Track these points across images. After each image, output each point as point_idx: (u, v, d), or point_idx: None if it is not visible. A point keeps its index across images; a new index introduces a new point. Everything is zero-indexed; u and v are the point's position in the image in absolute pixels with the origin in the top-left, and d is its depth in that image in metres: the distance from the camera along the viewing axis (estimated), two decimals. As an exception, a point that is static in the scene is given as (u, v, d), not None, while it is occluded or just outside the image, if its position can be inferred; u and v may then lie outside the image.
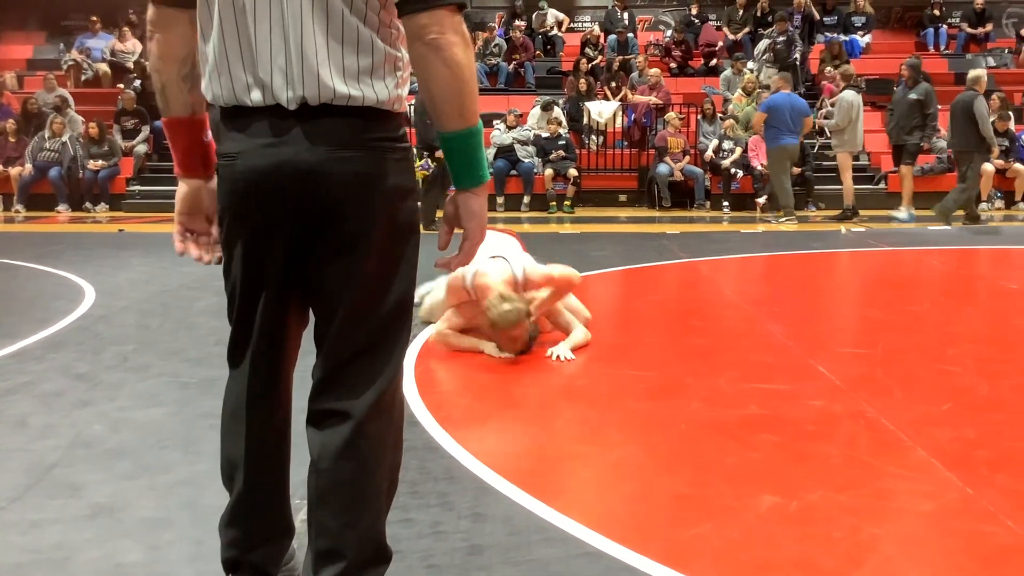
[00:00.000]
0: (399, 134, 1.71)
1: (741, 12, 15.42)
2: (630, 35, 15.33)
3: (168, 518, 2.46)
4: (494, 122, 12.26)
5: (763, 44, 14.35)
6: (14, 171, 12.00)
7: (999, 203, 12.16)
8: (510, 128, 12.29)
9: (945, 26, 15.85)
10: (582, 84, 13.45)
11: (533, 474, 2.80)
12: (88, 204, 12.02)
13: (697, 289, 6.45)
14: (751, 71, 13.66)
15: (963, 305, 5.89)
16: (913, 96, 10.37)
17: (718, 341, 4.62)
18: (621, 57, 14.59)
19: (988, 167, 10.85)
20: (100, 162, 12.08)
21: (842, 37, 15.00)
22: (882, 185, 12.41)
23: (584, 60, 13.99)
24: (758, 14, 15.24)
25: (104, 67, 14.56)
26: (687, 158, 12.22)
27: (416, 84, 1.63)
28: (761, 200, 11.39)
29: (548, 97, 13.10)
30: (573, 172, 11.91)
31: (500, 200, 11.93)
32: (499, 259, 4.22)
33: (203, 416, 3.27)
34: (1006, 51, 15.49)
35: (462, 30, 1.56)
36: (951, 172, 12.07)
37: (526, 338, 4.07)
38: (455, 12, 1.55)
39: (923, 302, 5.86)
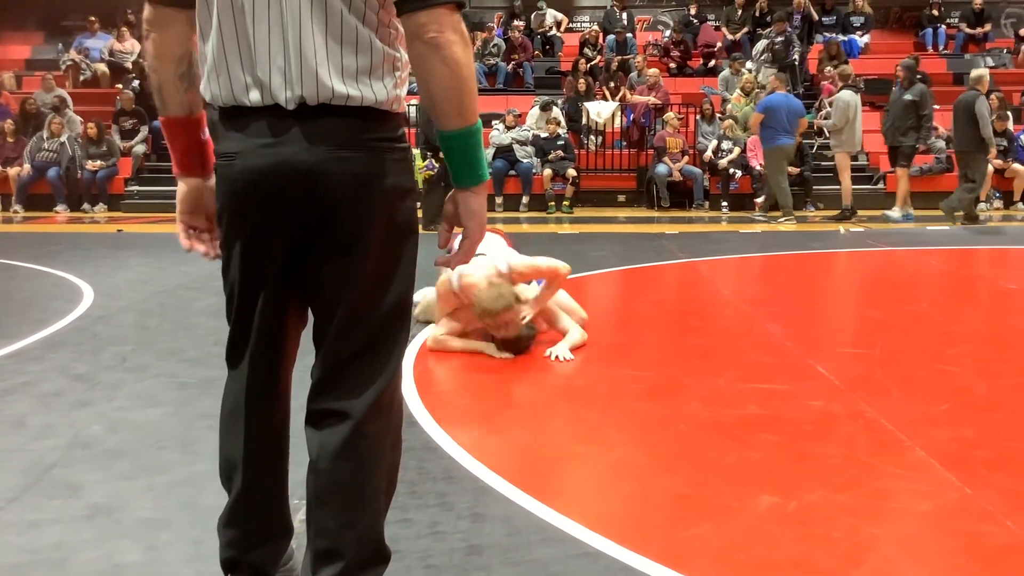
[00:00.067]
0: (398, 134, 1.71)
1: (740, 12, 15.42)
2: (629, 35, 15.33)
3: (166, 518, 2.46)
4: (493, 122, 12.26)
5: (761, 44, 14.36)
6: (12, 171, 12.00)
7: (998, 203, 12.18)
8: (509, 128, 12.30)
9: (944, 26, 15.87)
10: (581, 84, 13.45)
11: (532, 474, 2.80)
12: (86, 204, 12.01)
13: (696, 289, 6.45)
14: (749, 71, 13.67)
15: (962, 305, 5.89)
16: (908, 97, 10.37)
17: (717, 341, 4.62)
18: (620, 57, 14.60)
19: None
20: (98, 162, 12.07)
21: (841, 37, 15.01)
22: (881, 185, 12.42)
23: (583, 60, 13.99)
24: (757, 14, 15.25)
25: (102, 67, 14.56)
26: (686, 158, 12.22)
27: (416, 84, 1.62)
28: (760, 200, 11.40)
29: (547, 97, 13.10)
30: (572, 172, 11.91)
31: (499, 200, 11.93)
32: (481, 256, 4.23)
33: (202, 416, 3.27)
34: (1005, 51, 15.51)
35: (461, 29, 1.56)
36: (950, 172, 12.09)
37: (518, 323, 4.07)
38: (454, 11, 1.55)
39: (922, 302, 5.87)
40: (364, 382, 1.71)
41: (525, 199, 12.08)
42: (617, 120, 13.17)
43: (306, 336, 1.82)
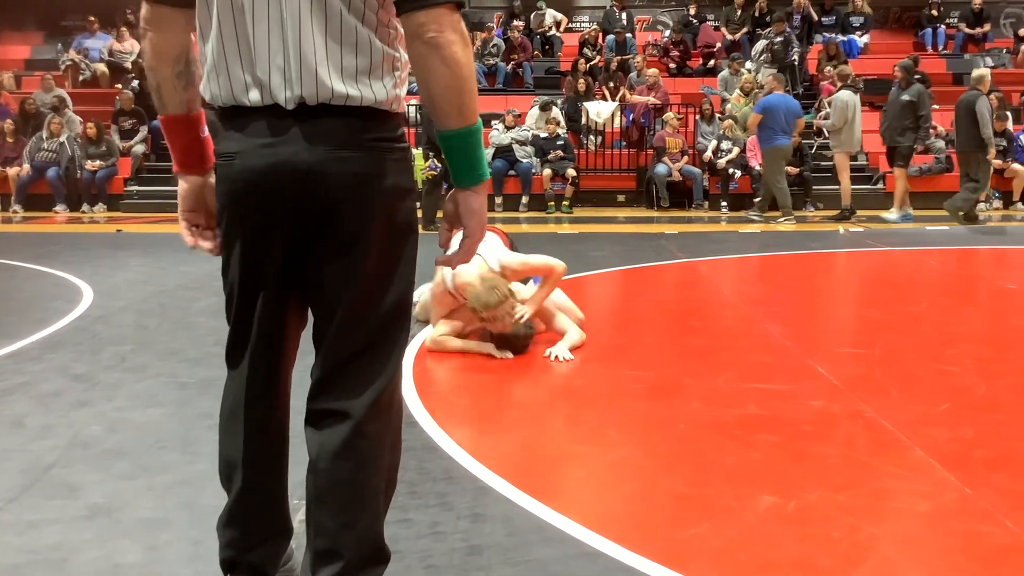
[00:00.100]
0: (397, 134, 1.71)
1: (739, 12, 15.42)
2: (628, 35, 15.34)
3: (166, 518, 2.46)
4: (492, 122, 12.26)
5: (760, 45, 14.37)
6: (12, 171, 11.99)
7: (997, 203, 12.18)
8: (508, 128, 12.30)
9: (943, 26, 15.88)
10: (580, 84, 13.46)
11: (532, 474, 2.80)
12: (86, 204, 12.01)
13: (695, 289, 6.45)
14: (749, 71, 13.67)
15: (961, 305, 5.89)
16: (905, 97, 10.37)
17: (716, 341, 4.62)
18: (619, 57, 14.60)
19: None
20: (98, 162, 12.07)
21: (840, 37, 15.01)
22: (880, 185, 12.42)
23: (582, 60, 13.99)
24: (756, 14, 15.26)
25: (102, 67, 14.56)
26: (685, 158, 12.22)
27: (415, 84, 1.62)
28: (757, 200, 11.40)
29: (546, 97, 13.10)
30: (571, 172, 11.91)
31: (498, 200, 11.93)
32: (475, 256, 4.24)
33: (201, 416, 3.27)
34: (1004, 51, 15.52)
35: (460, 28, 1.56)
36: (949, 172, 12.09)
37: (513, 315, 4.07)
38: (453, 10, 1.55)
39: (921, 302, 5.87)
40: (364, 382, 1.71)
41: (525, 199, 12.08)
42: (616, 120, 13.17)
43: (306, 336, 1.82)
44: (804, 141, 12.18)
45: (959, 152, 10.48)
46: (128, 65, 14.29)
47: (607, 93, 13.68)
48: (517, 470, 2.81)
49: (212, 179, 1.82)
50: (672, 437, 3.13)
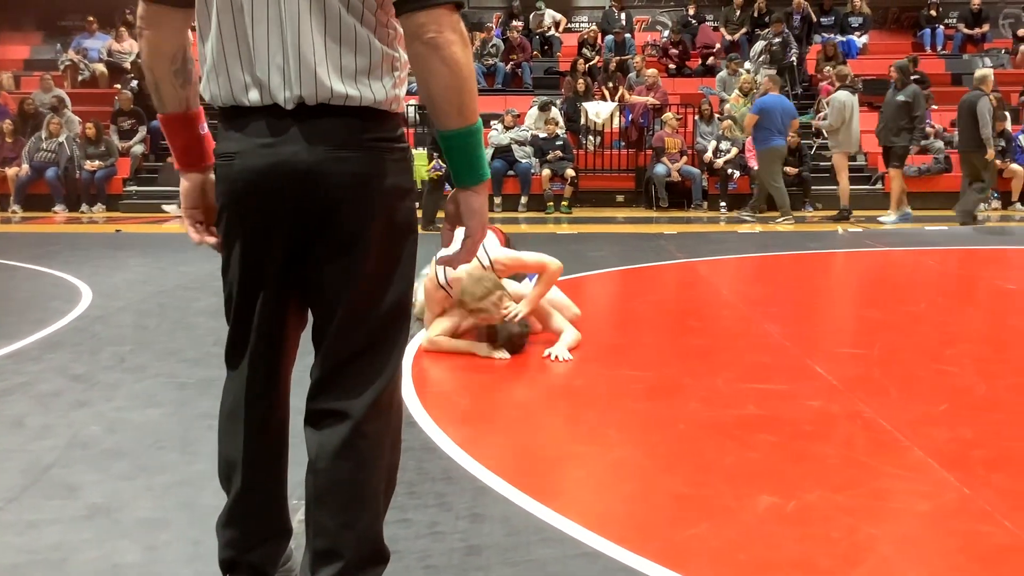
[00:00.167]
0: (397, 134, 1.71)
1: (738, 13, 15.43)
2: (627, 35, 15.34)
3: (165, 518, 2.46)
4: (491, 122, 12.26)
5: (759, 46, 14.37)
6: (11, 171, 11.98)
7: (996, 203, 12.18)
8: (507, 128, 12.30)
9: (942, 27, 15.88)
10: (579, 84, 13.46)
11: (531, 474, 2.80)
12: (85, 205, 12.00)
13: (694, 289, 6.46)
14: (747, 71, 13.67)
15: (960, 305, 5.90)
16: (901, 98, 10.38)
17: (716, 341, 4.63)
18: (618, 58, 14.60)
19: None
20: (97, 162, 12.07)
21: (839, 37, 15.02)
22: (879, 186, 12.42)
23: (581, 60, 13.99)
24: (755, 15, 15.26)
25: (101, 67, 14.56)
26: (684, 158, 12.22)
27: (415, 84, 1.62)
28: (753, 201, 11.40)
29: (545, 97, 13.10)
30: (570, 172, 11.91)
31: (497, 200, 11.93)
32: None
33: (201, 416, 3.27)
34: (1003, 51, 15.53)
35: (460, 29, 1.56)
36: (948, 172, 12.10)
37: (500, 307, 4.07)
38: (453, 11, 1.55)
39: (920, 302, 5.87)
40: (364, 382, 1.71)
41: (524, 199, 12.08)
42: (616, 120, 13.17)
43: (306, 336, 1.82)
44: (803, 142, 12.19)
45: (960, 152, 10.48)
46: (127, 65, 14.28)
47: (606, 93, 13.68)
48: (516, 470, 2.81)
49: (212, 176, 1.82)
50: (671, 437, 3.13)
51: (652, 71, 13.74)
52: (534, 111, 12.84)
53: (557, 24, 16.23)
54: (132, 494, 2.62)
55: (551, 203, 11.92)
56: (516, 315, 4.16)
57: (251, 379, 1.78)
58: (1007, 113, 12.42)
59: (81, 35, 15.23)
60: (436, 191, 9.39)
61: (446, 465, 2.86)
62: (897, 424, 3.18)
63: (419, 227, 1.82)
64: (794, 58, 14.22)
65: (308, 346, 1.79)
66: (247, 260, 1.72)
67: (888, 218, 10.53)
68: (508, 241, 4.81)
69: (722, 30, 15.46)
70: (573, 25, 16.79)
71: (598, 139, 13.05)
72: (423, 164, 9.35)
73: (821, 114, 12.54)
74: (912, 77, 11.13)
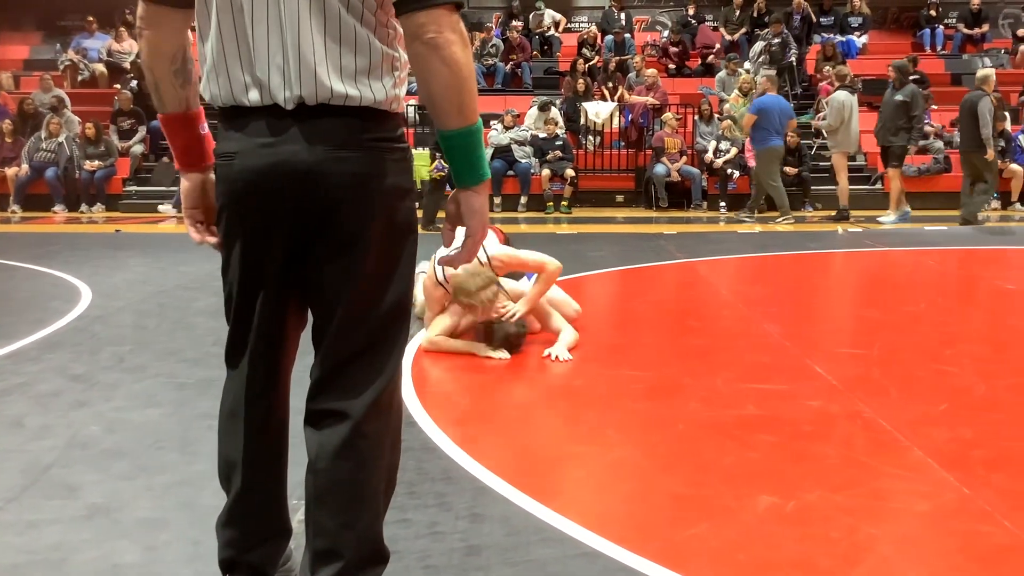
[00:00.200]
0: (396, 134, 1.71)
1: (738, 13, 15.43)
2: (627, 35, 15.33)
3: (165, 518, 2.46)
4: (491, 122, 12.25)
5: (758, 46, 14.37)
6: (10, 171, 11.97)
7: (995, 203, 12.17)
8: (507, 128, 12.29)
9: (941, 27, 15.88)
10: (579, 84, 13.45)
11: (531, 474, 2.80)
12: (84, 205, 12.00)
13: (694, 289, 6.45)
14: (747, 71, 13.67)
15: (960, 305, 5.90)
16: (899, 98, 10.37)
17: (715, 341, 4.63)
18: (618, 58, 14.60)
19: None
20: (96, 162, 12.06)
21: (839, 37, 15.01)
22: (879, 186, 12.42)
23: (581, 60, 13.99)
24: (755, 15, 15.26)
25: (101, 67, 14.55)
26: (684, 159, 12.22)
27: (415, 84, 1.63)
28: (750, 202, 11.41)
29: (545, 97, 13.09)
30: (570, 172, 11.91)
31: (497, 200, 11.92)
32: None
33: (200, 416, 3.27)
34: (1002, 52, 15.52)
35: (460, 29, 1.56)
36: (947, 172, 12.10)
37: (495, 301, 4.07)
38: (452, 11, 1.55)
39: (919, 302, 5.87)
40: (364, 382, 1.71)
41: (523, 199, 12.07)
42: (615, 120, 13.17)
43: (306, 336, 1.82)
44: (803, 142, 12.18)
45: (961, 152, 10.48)
46: (127, 65, 14.27)
47: (606, 93, 13.68)
48: (516, 470, 2.81)
49: (212, 176, 1.82)
50: (671, 437, 3.13)
51: (652, 71, 13.73)
52: (534, 111, 12.84)
53: (557, 24, 16.22)
54: (132, 494, 2.62)
55: (551, 203, 11.92)
56: (514, 314, 4.16)
57: (251, 379, 1.79)
58: (1007, 113, 12.41)
59: (81, 35, 15.22)
60: (437, 191, 9.39)
61: (446, 465, 2.86)
62: (897, 424, 3.18)
63: (419, 227, 1.82)
64: (793, 58, 14.22)
65: (308, 346, 1.79)
66: (247, 260, 1.72)
67: (887, 218, 10.53)
68: (508, 241, 4.81)
69: (722, 30, 15.46)
70: (573, 25, 16.78)
71: (598, 139, 13.05)
72: (424, 164, 9.35)
73: (820, 114, 12.54)
74: (912, 77, 11.13)
